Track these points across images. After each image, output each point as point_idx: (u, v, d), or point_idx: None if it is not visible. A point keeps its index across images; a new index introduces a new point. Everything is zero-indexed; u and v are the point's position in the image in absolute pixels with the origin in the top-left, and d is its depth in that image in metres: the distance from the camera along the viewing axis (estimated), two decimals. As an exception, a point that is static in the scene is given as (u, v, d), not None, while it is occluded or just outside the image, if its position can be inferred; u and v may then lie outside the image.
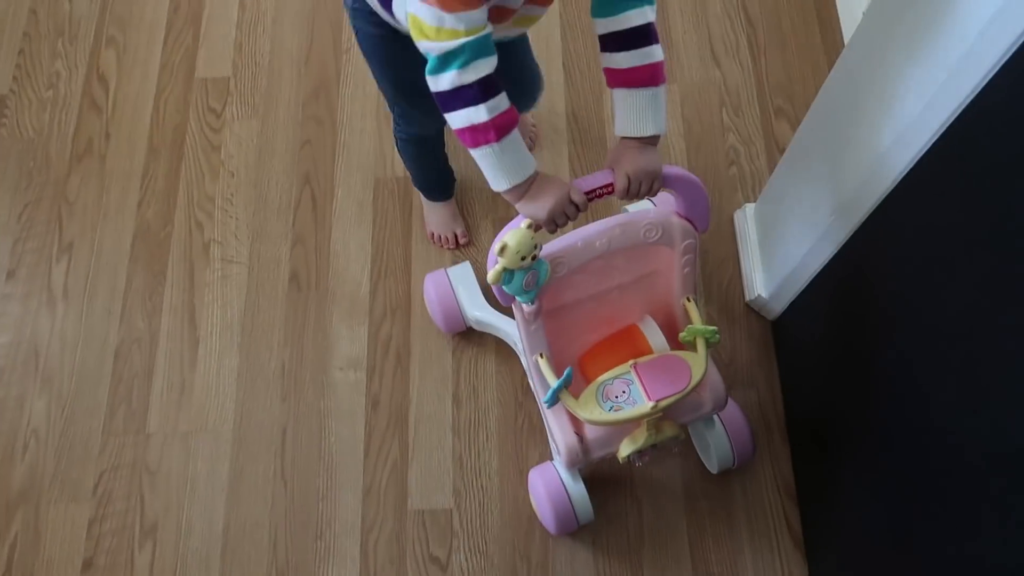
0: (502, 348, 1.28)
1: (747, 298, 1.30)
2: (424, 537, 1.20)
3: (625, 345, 0.98)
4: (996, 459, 0.70)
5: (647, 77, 0.82)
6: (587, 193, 0.84)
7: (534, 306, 0.88)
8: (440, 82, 0.78)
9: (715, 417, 1.11)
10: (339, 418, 1.26)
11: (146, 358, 1.30)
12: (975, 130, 0.72)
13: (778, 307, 1.25)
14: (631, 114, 0.83)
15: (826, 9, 1.50)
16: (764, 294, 1.25)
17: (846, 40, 1.39)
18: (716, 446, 1.13)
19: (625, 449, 0.98)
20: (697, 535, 1.19)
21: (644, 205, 1.17)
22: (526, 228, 0.81)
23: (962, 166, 0.75)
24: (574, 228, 0.90)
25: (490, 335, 1.27)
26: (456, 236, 1.34)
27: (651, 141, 0.84)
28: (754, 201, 1.35)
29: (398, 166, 1.39)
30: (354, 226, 1.38)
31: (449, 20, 0.74)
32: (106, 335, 1.32)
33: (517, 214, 0.85)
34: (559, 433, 1.00)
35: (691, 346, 0.95)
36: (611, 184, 0.84)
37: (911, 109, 0.79)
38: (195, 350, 1.31)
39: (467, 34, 0.75)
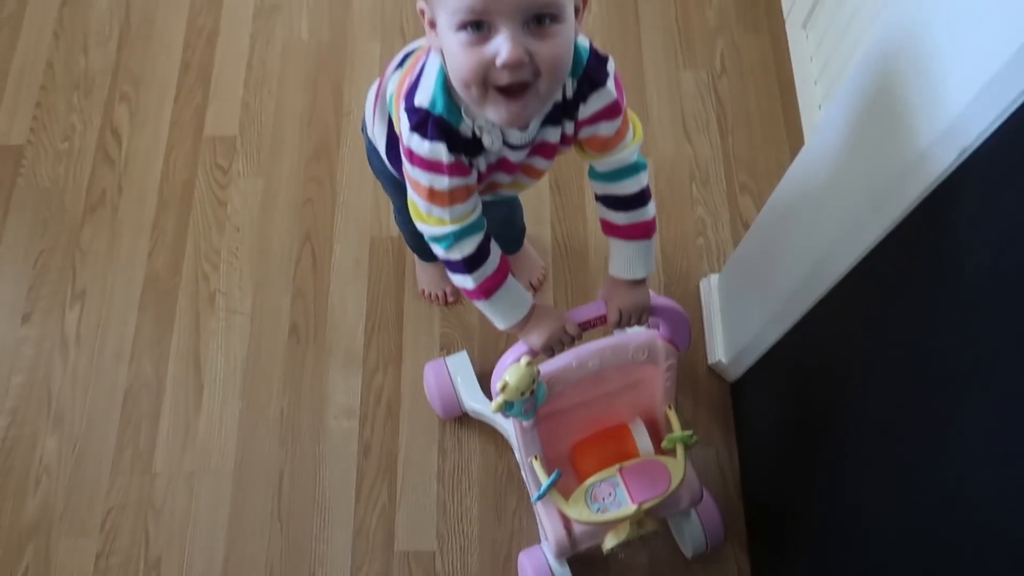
0: (485, 401, 1.40)
1: (709, 361, 1.43)
2: (409, 576, 1.30)
3: (615, 443, 1.10)
4: (929, 541, 0.81)
5: (640, 233, 0.93)
6: (581, 324, 0.95)
7: (531, 421, 0.99)
8: (434, 249, 0.89)
9: (692, 510, 1.23)
10: (333, 463, 1.37)
11: (153, 401, 1.40)
12: (906, 244, 0.85)
13: (737, 372, 1.38)
14: (624, 260, 0.94)
15: (788, 93, 1.64)
16: (724, 359, 1.38)
17: (804, 124, 1.53)
18: (691, 535, 1.24)
19: (609, 542, 1.09)
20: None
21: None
22: (526, 366, 0.90)
23: (895, 272, 0.88)
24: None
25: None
26: (446, 294, 1.46)
27: (641, 280, 0.96)
28: (718, 271, 1.48)
29: (393, 227, 1.51)
30: (351, 281, 1.49)
31: (436, 211, 0.84)
32: (116, 379, 1.41)
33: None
34: (549, 527, 1.11)
35: (671, 451, 1.07)
36: (604, 316, 0.96)
37: (853, 215, 0.91)
38: (199, 395, 1.41)
39: (453, 223, 0.84)
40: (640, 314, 0.96)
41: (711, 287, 1.45)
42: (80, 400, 1.40)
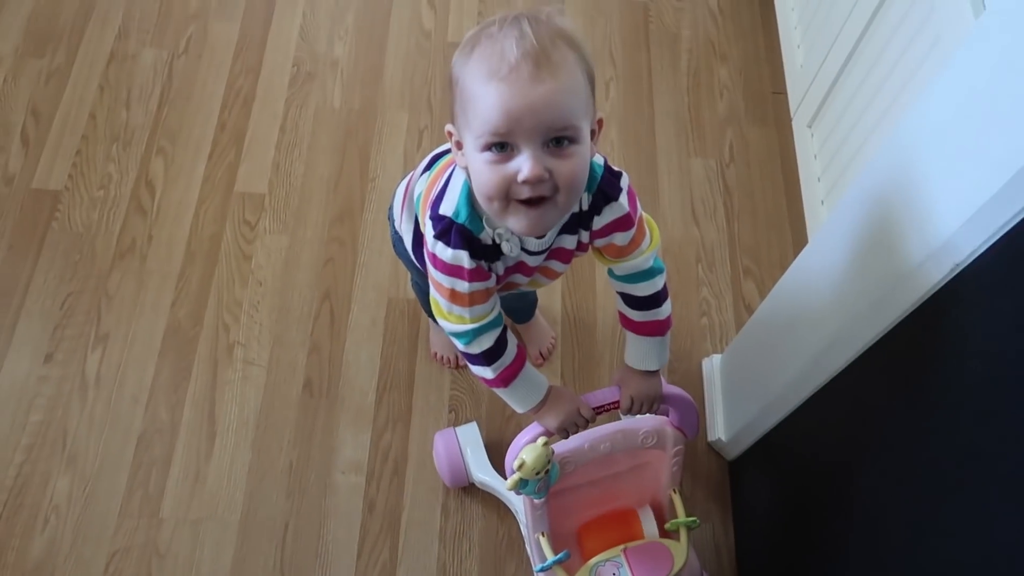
0: (489, 466, 1.44)
1: (709, 438, 1.48)
2: (405, 636, 1.32)
3: (621, 525, 1.14)
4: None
5: (654, 330, 0.99)
6: (595, 408, 1.00)
7: (543, 500, 1.04)
8: (454, 343, 0.95)
9: None
10: (337, 518, 1.39)
11: (166, 447, 1.43)
12: (901, 346, 0.91)
13: (735, 451, 1.42)
14: (638, 353, 1.00)
15: (792, 186, 1.72)
16: (724, 437, 1.43)
17: (807, 216, 1.61)
18: None
19: None
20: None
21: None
22: (542, 446, 0.94)
23: (890, 372, 0.94)
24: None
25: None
26: (457, 358, 1.51)
27: (655, 372, 1.01)
28: (721, 352, 1.54)
29: (409, 291, 1.57)
30: (366, 340, 1.54)
31: (456, 310, 0.90)
32: (131, 422, 1.45)
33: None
34: None
35: (675, 534, 1.12)
36: (617, 401, 1.01)
37: (852, 316, 0.98)
38: (212, 443, 1.44)
39: (472, 321, 0.90)
40: (652, 403, 1.01)
41: (713, 367, 1.51)
42: (95, 441, 1.43)
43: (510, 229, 0.86)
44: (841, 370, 1.02)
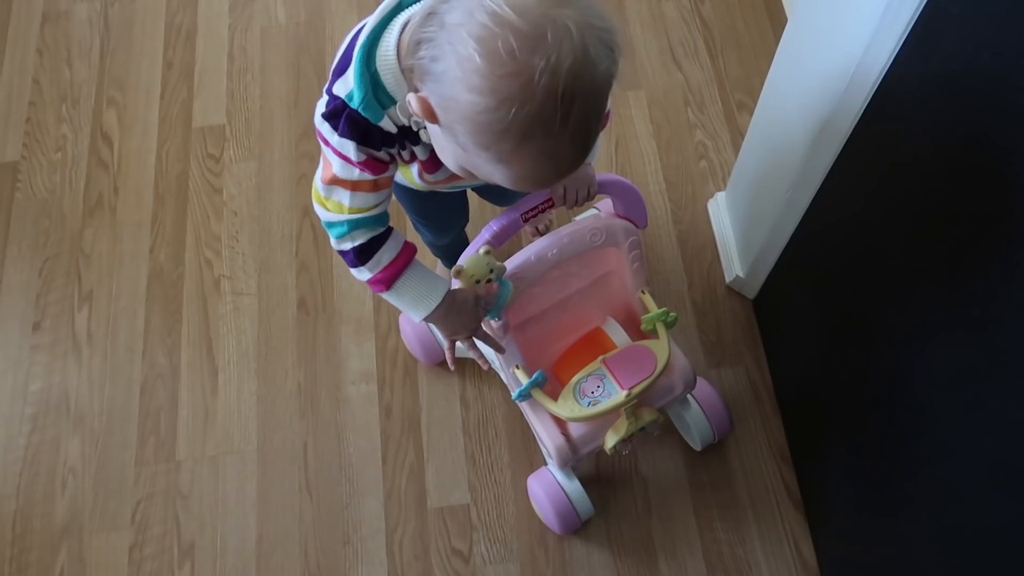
0: (502, 349, 1.37)
1: (727, 280, 1.39)
2: (445, 532, 1.27)
3: (592, 347, 1.06)
4: (972, 415, 0.77)
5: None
6: (527, 212, 0.92)
7: (501, 322, 0.96)
8: (329, 236, 0.85)
9: (689, 397, 1.19)
10: (356, 429, 1.34)
11: (170, 391, 1.38)
12: (898, 92, 0.81)
13: (756, 285, 1.33)
14: None
15: (774, 6, 1.59)
16: (742, 273, 1.34)
17: (796, 33, 1.48)
18: (695, 425, 1.20)
19: (610, 440, 1.04)
20: (702, 507, 1.26)
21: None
22: (483, 254, 0.88)
23: (897, 125, 0.84)
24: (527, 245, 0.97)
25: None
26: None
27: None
28: (724, 189, 1.44)
29: (389, 190, 1.48)
30: (353, 250, 1.47)
31: (336, 194, 0.80)
32: (131, 373, 1.40)
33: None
34: (546, 436, 1.07)
35: (654, 334, 1.03)
36: (550, 199, 0.92)
37: (843, 76, 0.87)
38: (215, 379, 1.39)
39: (350, 212, 0.81)
40: (587, 187, 0.92)
41: (719, 204, 1.41)
42: (98, 398, 1.39)
43: None
44: (849, 133, 0.91)
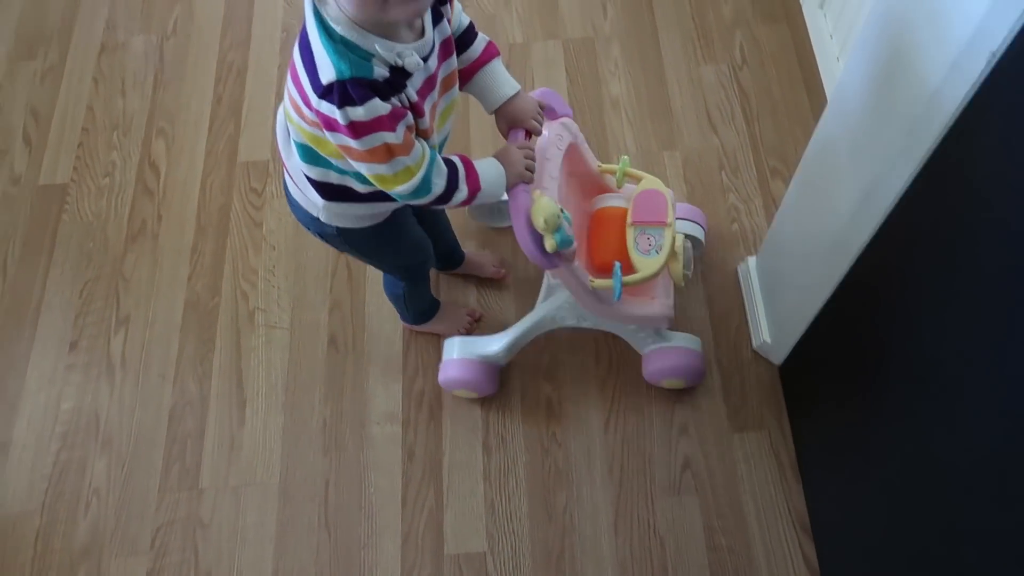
0: (527, 398, 1.38)
1: (754, 344, 1.40)
2: (460, 580, 1.27)
3: (607, 226, 1.21)
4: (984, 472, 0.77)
5: (495, 51, 1.03)
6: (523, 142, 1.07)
7: (572, 247, 1.05)
8: (419, 202, 0.95)
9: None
10: (378, 469, 1.35)
11: (198, 419, 1.41)
12: (934, 185, 0.83)
13: (783, 351, 1.34)
14: (500, 80, 1.03)
15: (811, 77, 1.63)
16: (769, 339, 1.35)
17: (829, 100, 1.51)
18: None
19: (676, 271, 1.17)
20: (719, 571, 1.26)
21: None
22: (539, 197, 1.00)
23: (928, 214, 0.85)
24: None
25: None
26: (470, 320, 1.44)
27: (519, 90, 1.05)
28: (755, 255, 1.45)
29: (425, 234, 1.52)
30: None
31: (401, 163, 0.88)
32: (161, 399, 1.43)
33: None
34: (656, 311, 1.23)
35: (632, 180, 1.24)
36: (529, 134, 1.06)
37: (881, 163, 0.90)
38: (243, 410, 1.41)
39: (418, 167, 0.90)
40: (541, 110, 1.07)
41: (749, 269, 1.43)
42: (127, 422, 1.41)
43: (397, 22, 0.84)
44: (882, 221, 0.93)
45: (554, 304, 1.29)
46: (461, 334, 1.42)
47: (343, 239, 1.08)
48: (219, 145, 1.67)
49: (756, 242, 1.50)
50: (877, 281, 1.02)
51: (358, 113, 0.81)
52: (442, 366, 1.35)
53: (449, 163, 0.95)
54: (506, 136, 1.06)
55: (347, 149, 0.86)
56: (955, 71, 0.74)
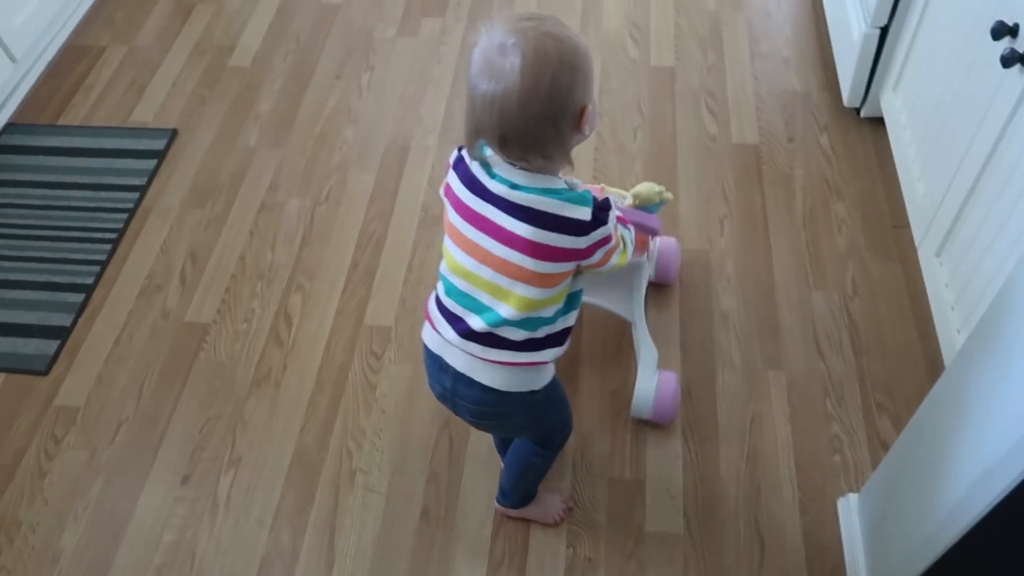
0: (610, 607, 1.36)
1: (851, 586, 1.35)
2: None
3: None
4: None
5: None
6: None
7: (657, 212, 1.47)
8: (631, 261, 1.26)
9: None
10: (451, 656, 1.34)
11: (287, 571, 1.44)
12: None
13: (882, 602, 1.29)
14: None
15: (923, 318, 1.66)
16: (868, 586, 1.30)
17: (943, 349, 1.53)
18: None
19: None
20: None
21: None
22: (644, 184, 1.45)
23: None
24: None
25: None
26: (563, 508, 1.47)
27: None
28: (857, 491, 1.43)
29: (528, 420, 1.57)
30: (484, 470, 1.54)
31: (627, 235, 1.21)
32: (255, 545, 1.48)
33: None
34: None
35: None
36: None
37: (998, 446, 0.91)
38: (330, 570, 1.44)
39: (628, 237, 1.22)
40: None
41: (850, 507, 1.40)
42: (220, 563, 1.46)
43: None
44: (1000, 500, 0.93)
45: None
46: (555, 523, 1.43)
47: (547, 391, 1.19)
48: (350, 306, 1.80)
49: (858, 477, 1.49)
50: (995, 543, 1.00)
51: (611, 217, 1.08)
52: None
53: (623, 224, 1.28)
54: None
55: (611, 250, 1.11)
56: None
